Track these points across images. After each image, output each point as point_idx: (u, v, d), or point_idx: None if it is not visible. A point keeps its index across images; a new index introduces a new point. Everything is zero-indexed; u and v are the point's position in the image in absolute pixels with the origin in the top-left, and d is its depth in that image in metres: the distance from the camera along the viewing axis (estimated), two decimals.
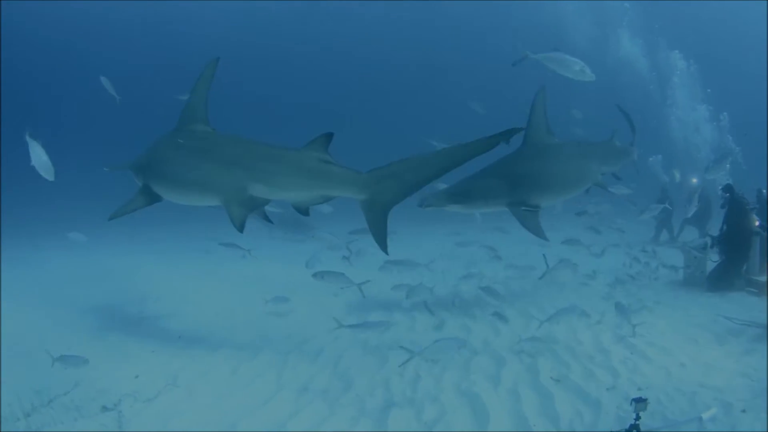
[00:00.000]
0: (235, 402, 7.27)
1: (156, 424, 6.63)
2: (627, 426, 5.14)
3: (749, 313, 9.78)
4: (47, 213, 25.34)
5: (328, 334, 9.83)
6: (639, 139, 11.58)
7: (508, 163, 8.40)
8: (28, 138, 8.42)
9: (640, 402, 5.13)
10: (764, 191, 12.34)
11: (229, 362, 8.64)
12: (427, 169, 5.91)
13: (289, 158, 6.55)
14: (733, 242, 11.83)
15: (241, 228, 6.65)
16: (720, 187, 12.58)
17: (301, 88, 54.98)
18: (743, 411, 6.18)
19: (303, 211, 6.67)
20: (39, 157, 8.60)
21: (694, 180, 18.38)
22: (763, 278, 11.51)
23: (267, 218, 7.76)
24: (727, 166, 14.17)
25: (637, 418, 5.14)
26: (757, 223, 11.86)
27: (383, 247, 6.10)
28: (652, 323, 9.60)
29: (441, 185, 9.37)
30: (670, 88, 25.24)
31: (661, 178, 19.65)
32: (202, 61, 7.22)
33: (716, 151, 20.21)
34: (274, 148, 6.75)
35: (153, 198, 7.45)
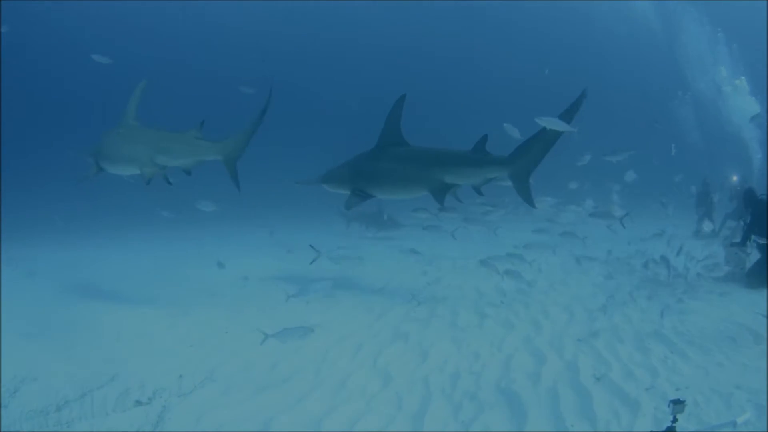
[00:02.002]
0: (271, 398, 7.30)
1: (190, 420, 6.73)
2: (663, 428, 5.08)
3: None
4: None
5: (367, 330, 9.97)
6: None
7: (359, 159, 9.66)
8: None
9: (677, 404, 5.04)
10: None
11: (269, 358, 8.65)
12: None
13: (178, 138, 9.45)
14: None
15: (148, 182, 9.45)
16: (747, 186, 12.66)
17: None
18: None
19: (188, 171, 9.54)
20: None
21: (735, 177, 18.43)
22: None
23: (168, 180, 9.71)
24: None
25: (674, 420, 5.05)
26: None
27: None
28: (693, 321, 9.62)
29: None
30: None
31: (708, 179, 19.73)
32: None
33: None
34: (170, 132, 9.55)
35: (101, 170, 10.11)
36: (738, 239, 12.73)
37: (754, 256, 12.33)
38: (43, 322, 10.58)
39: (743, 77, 24.58)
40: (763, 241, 11.58)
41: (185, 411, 6.91)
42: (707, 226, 18.42)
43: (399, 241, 19.70)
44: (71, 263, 17.21)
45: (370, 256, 16.53)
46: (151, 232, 23.85)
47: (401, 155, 9.23)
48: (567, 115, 8.44)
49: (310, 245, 12.09)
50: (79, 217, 26.35)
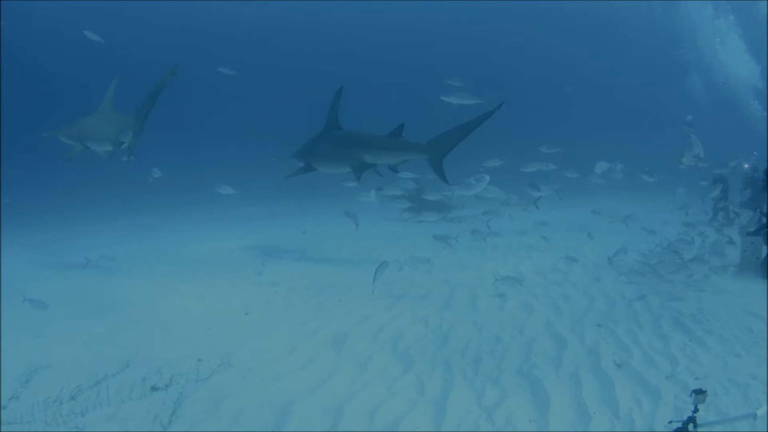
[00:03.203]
0: (290, 382, 7.27)
1: (208, 406, 6.68)
2: (685, 418, 5.16)
3: None
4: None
5: (387, 312, 10.02)
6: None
7: (310, 141, 11.17)
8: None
9: (699, 394, 5.08)
10: None
11: (287, 341, 8.70)
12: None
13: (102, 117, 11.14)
14: None
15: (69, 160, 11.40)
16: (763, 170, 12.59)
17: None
18: None
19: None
20: None
21: (746, 165, 18.40)
22: None
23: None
24: None
25: (695, 410, 5.10)
26: None
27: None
28: (712, 310, 9.64)
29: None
30: None
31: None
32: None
33: None
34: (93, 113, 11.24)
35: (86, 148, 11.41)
36: (753, 228, 12.70)
37: None
38: (55, 309, 10.36)
39: None
40: None
41: (203, 397, 6.90)
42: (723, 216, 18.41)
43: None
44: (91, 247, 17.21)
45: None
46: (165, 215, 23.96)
47: (335, 138, 10.72)
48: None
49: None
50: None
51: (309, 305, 10.59)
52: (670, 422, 5.45)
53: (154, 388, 7.12)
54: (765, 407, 5.88)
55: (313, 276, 12.94)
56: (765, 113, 25.08)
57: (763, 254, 12.12)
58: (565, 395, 6.64)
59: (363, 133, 10.68)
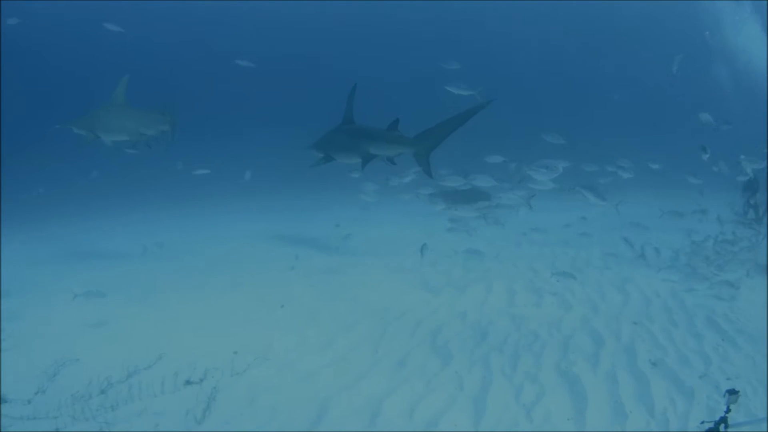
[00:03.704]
0: (328, 377, 7.27)
1: (243, 401, 6.66)
2: (717, 418, 5.29)
3: None
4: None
5: (425, 306, 10.08)
6: None
7: (328, 133, 11.54)
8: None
9: (733, 394, 5.21)
10: None
11: (324, 335, 8.72)
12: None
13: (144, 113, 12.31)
14: None
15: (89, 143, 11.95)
16: None
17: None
18: None
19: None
20: None
21: None
22: None
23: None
24: None
25: (728, 410, 5.23)
26: None
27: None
28: (742, 309, 9.70)
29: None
30: None
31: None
32: None
33: None
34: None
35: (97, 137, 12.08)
36: None
37: None
38: (81, 300, 10.18)
39: None
40: None
41: (238, 392, 6.89)
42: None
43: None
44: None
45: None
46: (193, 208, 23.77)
47: (349, 131, 11.11)
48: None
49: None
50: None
51: (345, 299, 10.65)
52: (703, 422, 5.65)
53: (188, 382, 7.09)
54: None
55: (347, 269, 13.05)
56: None
57: None
58: (602, 393, 6.73)
59: (369, 127, 11.10)
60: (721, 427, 5.31)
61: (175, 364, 7.51)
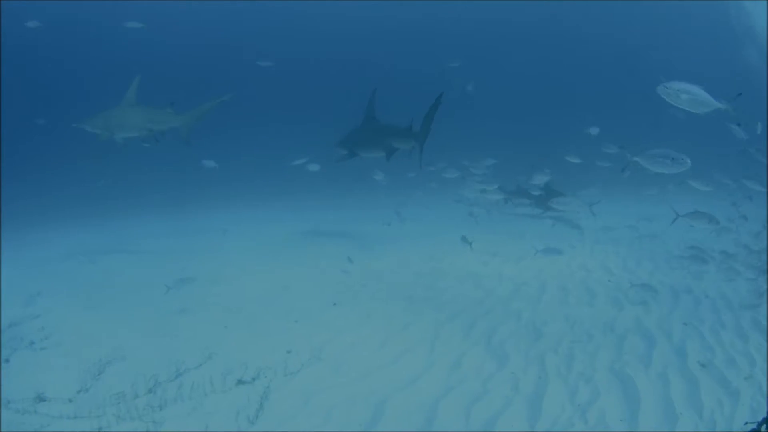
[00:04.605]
0: (383, 378, 7.28)
1: (297, 401, 6.64)
2: (760, 419, 5.39)
3: None
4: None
5: (480, 306, 10.20)
6: None
7: (352, 132, 13.11)
8: None
9: None
10: None
11: (378, 335, 8.79)
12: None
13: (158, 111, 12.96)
14: None
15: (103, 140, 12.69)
16: None
17: None
18: None
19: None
20: None
21: None
22: None
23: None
24: None
25: None
26: None
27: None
28: None
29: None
30: None
31: None
32: None
33: None
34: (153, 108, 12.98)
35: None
36: None
37: None
38: (130, 300, 10.70)
39: None
40: None
41: (291, 392, 6.90)
42: None
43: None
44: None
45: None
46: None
47: (372, 128, 12.61)
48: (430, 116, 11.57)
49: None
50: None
51: (399, 298, 10.76)
52: (746, 423, 5.95)
53: (239, 382, 7.09)
54: None
55: (399, 268, 13.24)
56: None
57: None
58: (654, 395, 6.87)
59: (390, 124, 12.40)
60: (764, 428, 5.56)
61: (226, 364, 7.62)
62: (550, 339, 8.71)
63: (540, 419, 6.43)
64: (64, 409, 6.52)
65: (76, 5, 39.47)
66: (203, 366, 7.61)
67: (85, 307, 10.43)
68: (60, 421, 6.31)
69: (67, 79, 44.69)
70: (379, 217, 19.68)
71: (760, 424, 5.44)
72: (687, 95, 7.25)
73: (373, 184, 17.79)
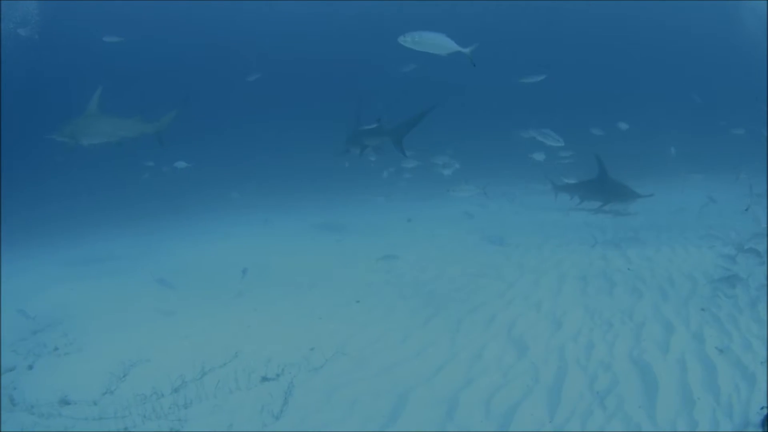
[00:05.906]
0: (406, 370, 7.39)
1: (320, 396, 6.75)
2: None
3: None
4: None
5: (500, 299, 10.29)
6: None
7: (358, 131, 15.79)
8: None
9: None
10: None
11: (401, 329, 8.88)
12: None
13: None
14: None
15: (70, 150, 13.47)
16: None
17: None
18: None
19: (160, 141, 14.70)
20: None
21: None
22: None
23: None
24: None
25: None
26: None
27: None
28: None
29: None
30: None
31: None
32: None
33: None
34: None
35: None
36: None
37: None
38: (152, 301, 10.81)
39: None
40: None
41: (315, 387, 7.02)
42: None
43: None
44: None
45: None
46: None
47: (362, 131, 15.56)
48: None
49: None
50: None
51: (420, 293, 10.86)
52: (762, 408, 6.05)
53: (264, 379, 7.19)
54: None
55: (421, 262, 13.36)
56: None
57: None
58: (672, 381, 6.91)
59: (372, 126, 15.06)
60: None
61: (251, 362, 7.73)
62: (569, 329, 8.82)
63: (559, 407, 6.52)
64: (89, 411, 6.67)
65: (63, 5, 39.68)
66: (228, 365, 7.72)
67: (108, 311, 10.64)
68: (85, 422, 6.46)
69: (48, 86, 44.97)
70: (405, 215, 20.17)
71: None
72: (426, 41, 8.01)
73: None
